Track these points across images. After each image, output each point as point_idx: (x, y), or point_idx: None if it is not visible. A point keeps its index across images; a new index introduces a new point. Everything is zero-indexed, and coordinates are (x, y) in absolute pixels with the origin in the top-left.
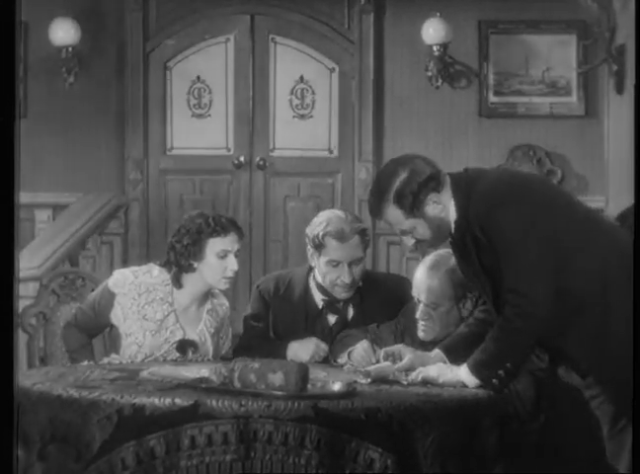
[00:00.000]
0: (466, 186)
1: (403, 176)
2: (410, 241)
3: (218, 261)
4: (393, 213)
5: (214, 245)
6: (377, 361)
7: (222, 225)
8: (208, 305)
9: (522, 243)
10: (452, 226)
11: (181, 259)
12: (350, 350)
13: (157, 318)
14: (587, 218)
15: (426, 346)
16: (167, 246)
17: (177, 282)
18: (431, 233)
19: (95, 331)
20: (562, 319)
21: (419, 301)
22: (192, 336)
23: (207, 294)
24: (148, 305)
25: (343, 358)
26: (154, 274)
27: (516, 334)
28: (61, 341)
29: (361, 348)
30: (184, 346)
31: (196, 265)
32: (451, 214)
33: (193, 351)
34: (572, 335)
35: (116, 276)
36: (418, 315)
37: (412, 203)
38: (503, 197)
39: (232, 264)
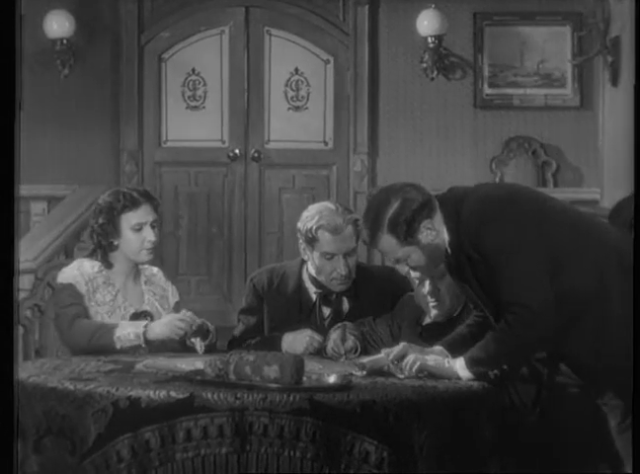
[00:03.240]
0: (453, 206)
1: (396, 204)
2: (404, 268)
3: (135, 234)
4: (387, 242)
5: (128, 220)
6: (349, 350)
7: (133, 199)
8: (143, 278)
9: (515, 255)
10: (447, 249)
11: (101, 239)
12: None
13: (107, 300)
14: (579, 222)
15: (426, 339)
16: (89, 230)
17: (107, 263)
18: (425, 260)
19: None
20: (561, 324)
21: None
22: (143, 308)
23: (138, 269)
24: (95, 292)
25: None
26: (86, 266)
27: (517, 340)
28: (75, 339)
29: (331, 338)
30: (138, 317)
31: (116, 242)
32: (445, 237)
33: (150, 320)
34: (571, 338)
35: (64, 272)
36: (426, 291)
37: (406, 232)
38: (490, 214)
39: (149, 235)
